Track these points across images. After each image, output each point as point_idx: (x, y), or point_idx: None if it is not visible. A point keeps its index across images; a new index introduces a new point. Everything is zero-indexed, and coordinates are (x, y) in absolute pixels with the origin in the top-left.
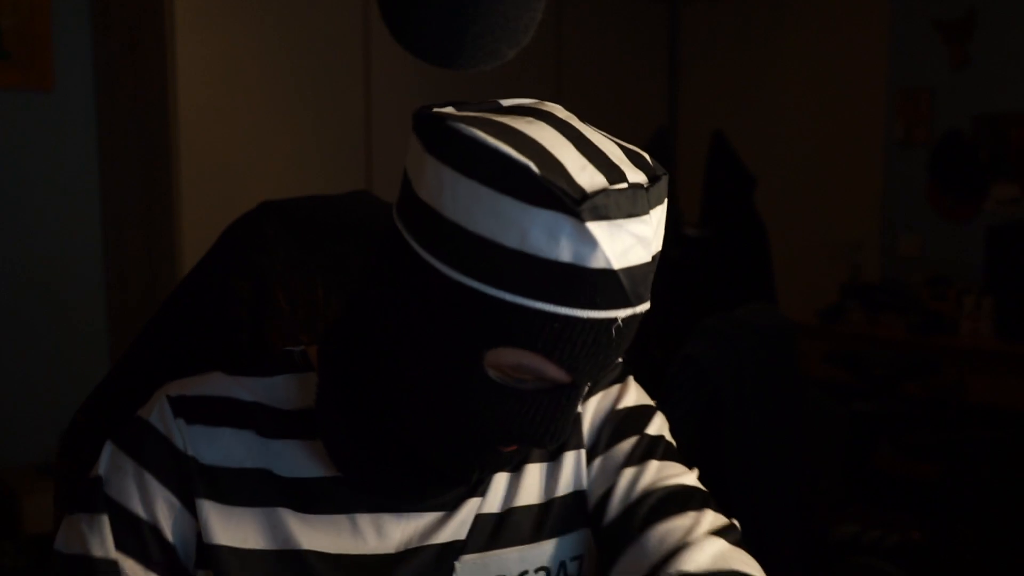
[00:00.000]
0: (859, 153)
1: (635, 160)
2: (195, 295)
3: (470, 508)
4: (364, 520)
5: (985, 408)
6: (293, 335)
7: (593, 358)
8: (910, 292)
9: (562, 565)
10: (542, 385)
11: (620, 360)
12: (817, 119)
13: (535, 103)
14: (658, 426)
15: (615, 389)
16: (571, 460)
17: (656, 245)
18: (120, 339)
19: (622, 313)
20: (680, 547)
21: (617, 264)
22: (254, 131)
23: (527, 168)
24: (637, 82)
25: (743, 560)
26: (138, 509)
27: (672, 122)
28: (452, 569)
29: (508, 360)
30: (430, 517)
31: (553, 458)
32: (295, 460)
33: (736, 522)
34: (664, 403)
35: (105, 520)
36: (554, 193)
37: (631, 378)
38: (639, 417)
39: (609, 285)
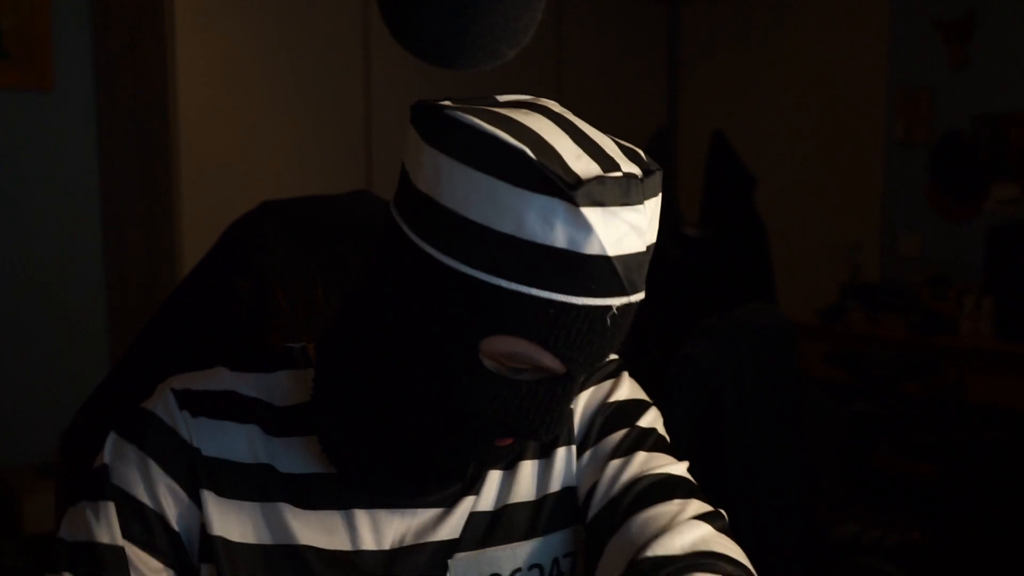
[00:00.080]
0: (859, 153)
1: (629, 154)
2: (195, 295)
3: (465, 506)
4: (360, 517)
5: (985, 408)
6: (293, 335)
7: (588, 347)
8: (910, 292)
9: (555, 562)
10: (537, 376)
11: (615, 356)
12: (817, 119)
13: (531, 98)
14: (651, 420)
15: (607, 383)
16: (562, 456)
17: (651, 236)
18: (120, 339)
19: (617, 301)
20: (662, 531)
21: (612, 251)
22: (254, 131)
23: (523, 153)
24: (637, 82)
25: (726, 545)
26: (144, 497)
27: (672, 122)
28: (445, 567)
29: (503, 348)
30: (425, 515)
31: (546, 455)
32: (295, 456)
33: (723, 512)
34: (664, 403)
35: (111, 507)
36: (549, 178)
37: (625, 373)
38: (631, 410)
39: (604, 272)
